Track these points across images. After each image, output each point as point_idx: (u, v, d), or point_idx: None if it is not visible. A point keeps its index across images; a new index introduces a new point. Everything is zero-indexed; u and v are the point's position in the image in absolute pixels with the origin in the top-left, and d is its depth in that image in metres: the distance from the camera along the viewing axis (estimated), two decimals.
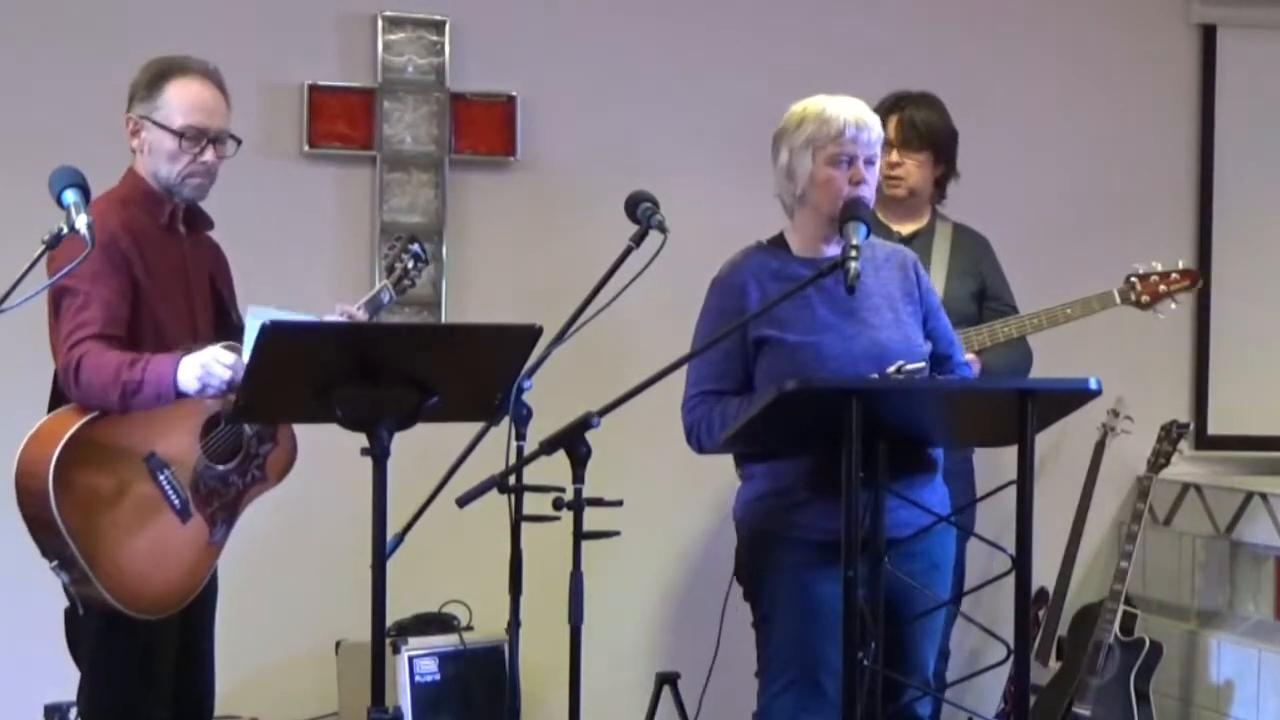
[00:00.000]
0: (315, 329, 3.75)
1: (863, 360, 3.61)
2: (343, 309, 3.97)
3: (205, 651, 4.03)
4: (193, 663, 3.98)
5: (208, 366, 3.60)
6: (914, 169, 4.81)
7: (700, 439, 3.74)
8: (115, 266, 3.63)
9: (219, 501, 3.83)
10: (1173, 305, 5.00)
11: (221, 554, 3.97)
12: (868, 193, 3.67)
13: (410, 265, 4.17)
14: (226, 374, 3.59)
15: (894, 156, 4.78)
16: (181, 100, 3.74)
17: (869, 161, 3.68)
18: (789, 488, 3.66)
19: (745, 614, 4.85)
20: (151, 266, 3.73)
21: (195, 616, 3.94)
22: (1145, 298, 4.96)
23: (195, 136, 3.75)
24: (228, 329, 3.90)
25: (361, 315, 4.01)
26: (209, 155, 3.77)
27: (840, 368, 3.60)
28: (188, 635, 3.92)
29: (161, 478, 3.70)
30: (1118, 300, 4.94)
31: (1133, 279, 4.97)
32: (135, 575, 3.68)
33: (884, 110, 4.76)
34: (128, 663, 3.75)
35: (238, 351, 3.65)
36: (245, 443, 3.85)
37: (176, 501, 3.73)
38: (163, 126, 3.74)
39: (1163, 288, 4.96)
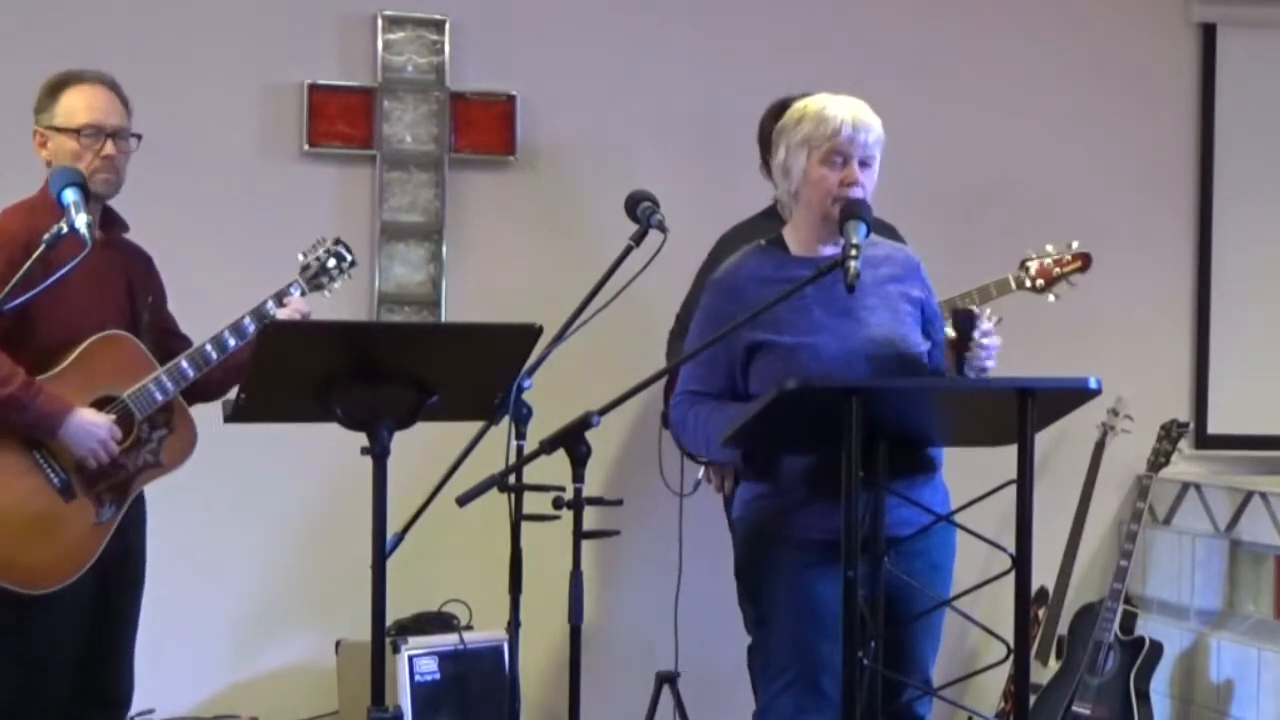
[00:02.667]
0: (315, 329, 3.76)
1: (860, 360, 3.61)
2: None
3: (120, 645, 4.07)
4: (104, 657, 4.01)
5: (106, 445, 3.84)
6: None
7: (678, 438, 3.77)
8: (10, 266, 3.71)
9: (106, 483, 3.91)
10: (1069, 286, 5.09)
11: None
12: (860, 194, 3.65)
13: (330, 264, 4.18)
14: (106, 459, 3.85)
15: None
16: (77, 103, 3.96)
17: (864, 163, 3.66)
18: (787, 488, 3.65)
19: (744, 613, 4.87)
20: (56, 267, 3.74)
21: (111, 608, 3.99)
22: (1040, 281, 5.06)
23: (93, 133, 3.94)
24: (137, 330, 4.01)
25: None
26: (109, 149, 3.95)
27: (838, 368, 3.59)
28: (102, 628, 3.97)
29: (36, 455, 3.83)
30: (1013, 285, 5.03)
31: (1027, 264, 5.07)
32: (10, 546, 3.77)
33: (770, 116, 4.81)
34: (13, 651, 3.83)
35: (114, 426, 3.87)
36: (136, 426, 3.92)
37: (55, 479, 3.84)
38: (63, 130, 3.94)
39: (1056, 270, 5.07)
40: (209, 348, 3.95)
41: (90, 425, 3.83)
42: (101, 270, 3.90)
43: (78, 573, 3.86)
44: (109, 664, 4.04)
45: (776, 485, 3.67)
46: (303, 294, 4.11)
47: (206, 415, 3.88)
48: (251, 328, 3.98)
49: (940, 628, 3.76)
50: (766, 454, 3.68)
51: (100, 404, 3.89)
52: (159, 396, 3.93)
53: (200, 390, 4.08)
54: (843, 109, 3.67)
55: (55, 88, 3.99)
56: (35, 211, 3.91)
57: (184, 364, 3.94)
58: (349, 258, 4.21)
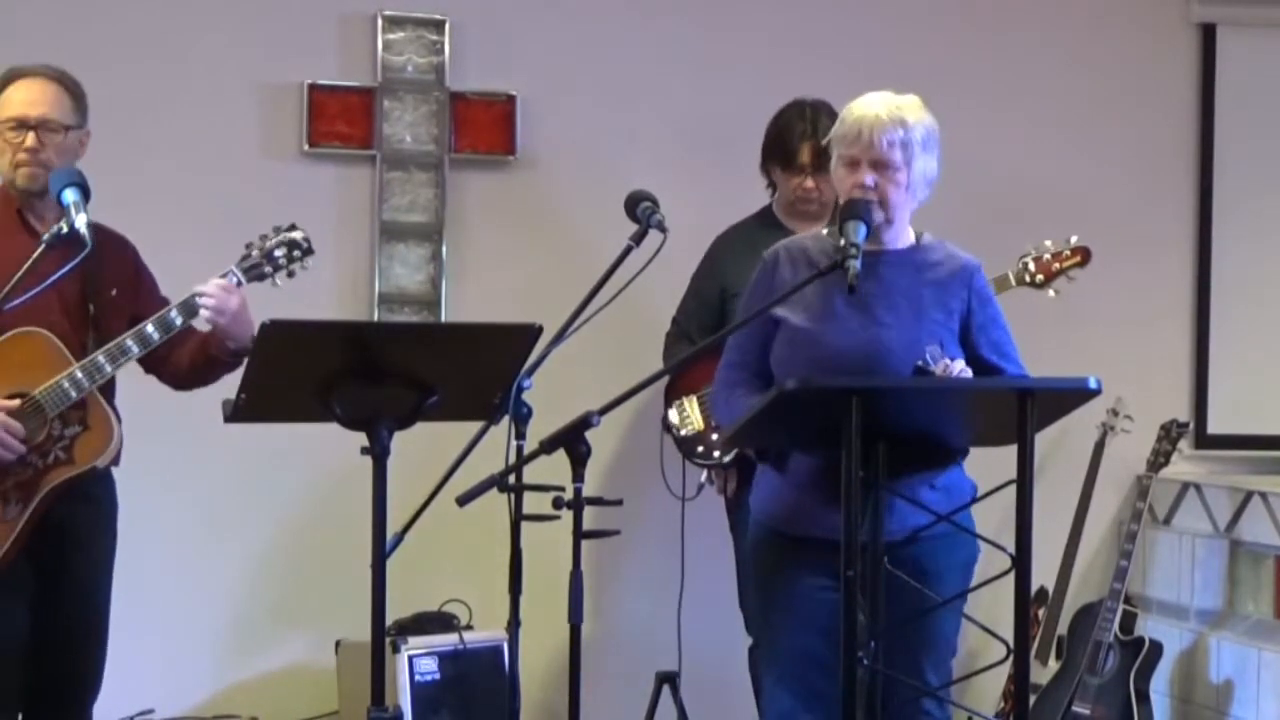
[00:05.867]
0: (315, 329, 3.75)
1: (856, 355, 3.61)
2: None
3: (74, 641, 4.00)
4: (56, 653, 3.97)
5: (2, 439, 3.76)
6: (826, 188, 4.83)
7: (716, 415, 3.81)
8: None
9: (13, 480, 3.83)
10: (1068, 281, 5.07)
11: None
12: (873, 195, 3.65)
13: (278, 253, 4.02)
14: (9, 455, 3.77)
15: (809, 182, 4.81)
16: (14, 97, 3.95)
17: (877, 164, 3.65)
18: (793, 485, 3.67)
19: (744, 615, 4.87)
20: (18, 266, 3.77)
21: (53, 605, 3.94)
22: (1040, 277, 5.05)
23: (16, 126, 3.93)
24: (84, 323, 3.95)
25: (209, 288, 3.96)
26: (30, 141, 3.91)
27: (833, 358, 3.60)
28: (48, 624, 3.94)
29: None
30: (1013, 282, 5.00)
31: (1026, 259, 5.05)
32: None
33: (798, 136, 4.81)
34: None
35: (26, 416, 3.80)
36: (48, 423, 3.84)
37: None
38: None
39: (1056, 266, 5.06)
40: (130, 342, 3.86)
41: None
42: (46, 265, 3.81)
43: None
44: (62, 660, 3.99)
45: (785, 482, 3.68)
46: (239, 284, 3.96)
47: (206, 416, 3.87)
48: (178, 321, 3.90)
49: (939, 634, 3.71)
50: (778, 452, 3.70)
51: (13, 396, 3.81)
52: (73, 393, 3.81)
53: (173, 374, 4.07)
54: (865, 111, 3.68)
55: (3, 83, 3.98)
56: None
57: (101, 359, 3.83)
58: (304, 245, 4.05)
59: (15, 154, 3.91)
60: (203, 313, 3.91)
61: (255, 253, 4.01)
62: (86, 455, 3.89)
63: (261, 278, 4.00)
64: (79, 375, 3.82)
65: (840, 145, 3.70)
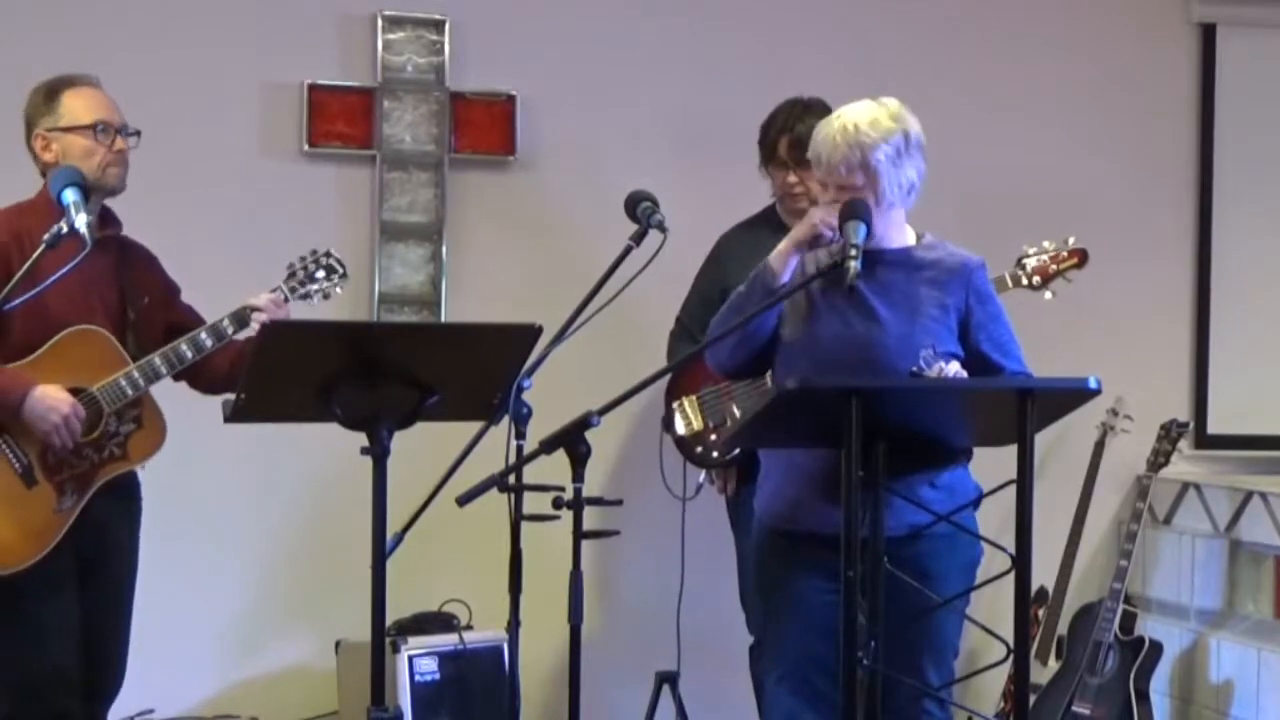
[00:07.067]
0: (315, 329, 3.77)
1: (854, 352, 3.63)
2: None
3: (104, 639, 4.11)
4: (88, 649, 4.05)
5: (68, 422, 3.86)
6: (811, 183, 4.82)
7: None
8: None
9: (69, 472, 3.95)
10: (1065, 283, 5.02)
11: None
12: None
13: (319, 274, 4.21)
14: (70, 441, 3.88)
15: (791, 177, 4.81)
16: (82, 103, 4.03)
17: (841, 188, 3.66)
18: (790, 482, 3.67)
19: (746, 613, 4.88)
20: (40, 266, 3.81)
21: (92, 603, 4.04)
22: (1037, 278, 5.00)
23: (105, 129, 4.01)
24: (124, 328, 4.06)
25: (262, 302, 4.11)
26: (121, 143, 4.03)
27: (826, 356, 3.63)
28: (84, 621, 4.03)
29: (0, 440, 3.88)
30: (1010, 284, 4.95)
31: (1024, 260, 5.01)
32: None
33: (776, 131, 4.83)
34: (10, 640, 3.91)
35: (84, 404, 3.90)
36: (104, 419, 3.96)
37: (18, 465, 3.89)
38: (72, 129, 4.00)
39: (1053, 267, 5.01)
40: (184, 347, 3.99)
41: (52, 401, 3.85)
42: (88, 270, 3.91)
43: (37, 556, 3.90)
44: (91, 656, 4.06)
45: (788, 479, 3.69)
46: (286, 300, 4.15)
47: (206, 416, 3.88)
48: (230, 330, 4.03)
49: (938, 636, 3.71)
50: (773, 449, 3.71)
51: (74, 391, 3.91)
52: (129, 391, 3.96)
53: (209, 379, 4.15)
54: (821, 133, 3.70)
55: (52, 92, 4.04)
56: (25, 213, 4.00)
57: (157, 361, 3.98)
58: (340, 270, 4.24)
59: (106, 155, 4.01)
60: (254, 325, 4.02)
61: (300, 273, 4.18)
62: (140, 452, 4.04)
63: (305, 297, 4.19)
64: (135, 375, 3.96)
65: (812, 164, 3.73)
